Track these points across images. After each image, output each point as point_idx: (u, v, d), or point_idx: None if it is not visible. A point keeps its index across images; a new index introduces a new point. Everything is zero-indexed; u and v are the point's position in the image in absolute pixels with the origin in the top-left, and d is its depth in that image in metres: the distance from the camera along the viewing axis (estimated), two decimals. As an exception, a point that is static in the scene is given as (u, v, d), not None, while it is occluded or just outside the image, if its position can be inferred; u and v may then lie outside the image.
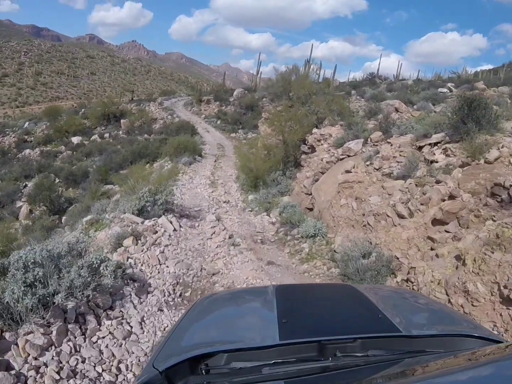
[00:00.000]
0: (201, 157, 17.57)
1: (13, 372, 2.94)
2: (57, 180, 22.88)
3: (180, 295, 4.89)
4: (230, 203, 10.45)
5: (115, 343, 3.63)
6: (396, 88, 23.26)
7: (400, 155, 7.89)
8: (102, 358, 3.44)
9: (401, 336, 1.61)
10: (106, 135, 29.91)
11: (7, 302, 3.25)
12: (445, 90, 20.19)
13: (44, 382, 2.97)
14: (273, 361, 1.51)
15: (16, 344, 3.17)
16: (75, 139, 29.43)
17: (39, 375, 3.01)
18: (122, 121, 30.92)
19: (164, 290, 4.89)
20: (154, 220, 6.93)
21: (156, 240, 6.24)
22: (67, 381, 3.05)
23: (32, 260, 3.50)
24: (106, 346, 3.56)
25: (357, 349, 1.57)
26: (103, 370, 3.30)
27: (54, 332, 3.36)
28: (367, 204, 6.62)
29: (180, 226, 7.17)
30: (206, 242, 6.88)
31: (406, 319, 1.76)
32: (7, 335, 3.24)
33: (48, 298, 3.45)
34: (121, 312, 4.05)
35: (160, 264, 5.59)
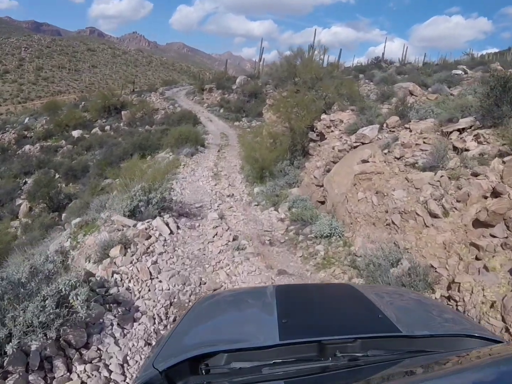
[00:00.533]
0: (203, 148, 16.86)
1: None
2: (57, 176, 22.24)
3: (174, 320, 4.08)
4: (234, 197, 9.63)
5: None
6: (407, 71, 22.15)
7: (424, 142, 7.00)
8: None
9: (401, 336, 1.59)
10: (107, 127, 29.15)
11: None
12: (459, 72, 19.09)
13: None
14: (273, 361, 1.50)
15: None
16: (76, 133, 28.74)
17: None
18: (123, 112, 30.13)
19: (154, 315, 4.10)
20: (147, 222, 6.13)
21: (148, 248, 5.44)
22: None
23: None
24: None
25: (357, 349, 1.55)
26: None
27: (10, 387, 2.60)
28: (390, 199, 5.76)
29: (178, 228, 6.36)
30: (207, 247, 6.07)
31: (406, 319, 1.73)
32: None
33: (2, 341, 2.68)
34: (98, 351, 3.27)
35: (152, 279, 4.78)
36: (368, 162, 7.17)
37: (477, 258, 4.05)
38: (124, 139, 23.29)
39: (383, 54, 36.42)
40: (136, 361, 3.30)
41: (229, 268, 5.38)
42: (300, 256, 5.90)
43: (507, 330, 3.24)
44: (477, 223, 4.41)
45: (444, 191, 5.10)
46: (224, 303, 2.32)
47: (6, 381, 2.64)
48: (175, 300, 4.49)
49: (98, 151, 23.81)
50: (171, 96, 34.44)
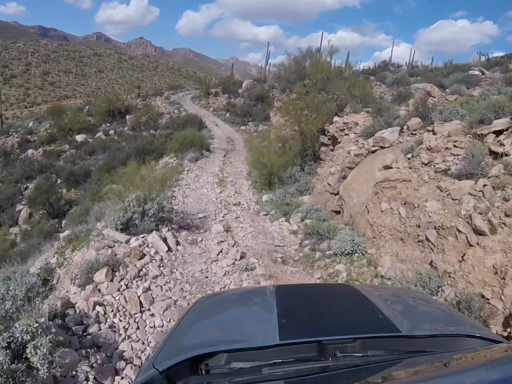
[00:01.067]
0: (209, 152, 16.26)
1: None
2: (58, 181, 21.68)
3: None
4: (241, 206, 8.88)
5: None
6: (419, 73, 21.37)
7: (455, 146, 6.23)
8: None
9: (401, 336, 1.58)
10: (111, 131, 28.71)
11: None
12: (476, 72, 18.34)
13: None
14: (273, 361, 1.49)
15: None
16: (79, 137, 28.30)
17: None
18: (127, 117, 29.70)
19: (141, 364, 3.28)
20: (142, 237, 5.37)
21: (141, 270, 4.66)
22: None
23: None
24: None
25: (357, 349, 1.55)
26: None
27: None
28: (422, 211, 4.99)
29: (178, 244, 5.61)
30: (210, 267, 5.28)
31: (406, 319, 1.71)
32: None
33: None
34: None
35: (142, 311, 4.00)
36: (391, 168, 6.41)
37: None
38: (128, 144, 22.75)
39: (390, 58, 35.83)
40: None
41: (236, 295, 4.56)
42: (318, 278, 5.07)
43: None
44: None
45: (489, 203, 4.33)
46: (224, 303, 2.30)
47: None
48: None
49: (101, 155, 23.29)
50: (177, 100, 33.92)
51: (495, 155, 5.70)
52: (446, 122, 8.12)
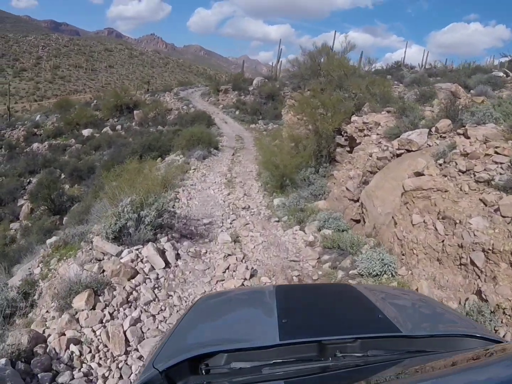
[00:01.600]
0: (217, 150, 15.65)
1: None
2: (62, 176, 21.14)
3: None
4: (250, 210, 8.17)
5: None
6: (438, 73, 20.48)
7: (496, 153, 5.47)
8: None
9: (401, 336, 1.57)
10: (118, 127, 28.19)
11: None
12: (500, 74, 17.50)
13: None
14: (273, 361, 1.48)
15: None
16: (86, 132, 27.82)
17: None
18: (135, 112, 29.18)
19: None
20: (136, 249, 4.65)
21: (130, 294, 3.90)
22: None
23: None
24: None
25: (357, 349, 1.54)
26: None
27: None
28: (465, 229, 4.24)
29: (178, 257, 4.90)
30: (215, 289, 4.50)
31: (406, 319, 1.70)
32: None
33: None
34: None
35: (128, 353, 3.19)
36: (423, 175, 5.66)
37: None
38: (134, 139, 22.18)
39: (403, 58, 35.02)
40: None
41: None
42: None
43: None
44: None
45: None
46: (224, 303, 2.27)
47: None
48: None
49: (106, 151, 22.72)
50: (186, 97, 33.28)
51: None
52: (479, 125, 7.39)
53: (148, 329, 3.58)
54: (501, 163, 5.22)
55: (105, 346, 3.21)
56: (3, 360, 2.28)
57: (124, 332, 3.36)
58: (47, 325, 3.63)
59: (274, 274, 4.87)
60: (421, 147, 7.01)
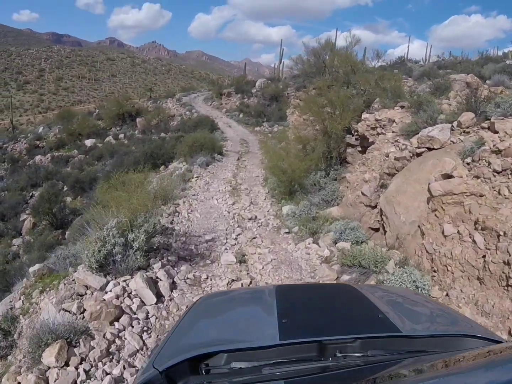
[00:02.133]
0: (221, 156, 15.10)
1: None
2: (64, 189, 20.68)
3: None
4: (257, 221, 7.50)
5: None
6: (447, 65, 19.71)
7: (538, 147, 4.76)
8: None
9: (401, 336, 1.56)
10: (121, 135, 27.72)
11: None
12: (512, 62, 16.68)
13: None
14: (273, 361, 1.47)
15: None
16: (88, 142, 27.43)
17: None
18: (138, 120, 28.77)
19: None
20: (124, 280, 3.99)
21: (113, 343, 3.18)
22: None
23: None
24: None
25: (357, 349, 1.53)
26: None
27: None
28: (511, 243, 3.53)
29: (173, 286, 4.20)
30: None
31: (406, 319, 1.69)
32: None
33: None
34: None
35: None
36: (452, 177, 4.94)
37: None
38: (137, 148, 21.70)
39: (406, 54, 34.29)
40: None
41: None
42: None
43: None
44: None
45: None
46: (224, 303, 2.23)
47: None
48: None
49: (109, 161, 22.24)
50: (188, 102, 32.83)
51: None
52: (506, 117, 6.67)
53: (132, 393, 2.89)
54: (545, 160, 4.52)
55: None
56: None
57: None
58: (18, 380, 2.99)
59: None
60: (444, 144, 6.30)
